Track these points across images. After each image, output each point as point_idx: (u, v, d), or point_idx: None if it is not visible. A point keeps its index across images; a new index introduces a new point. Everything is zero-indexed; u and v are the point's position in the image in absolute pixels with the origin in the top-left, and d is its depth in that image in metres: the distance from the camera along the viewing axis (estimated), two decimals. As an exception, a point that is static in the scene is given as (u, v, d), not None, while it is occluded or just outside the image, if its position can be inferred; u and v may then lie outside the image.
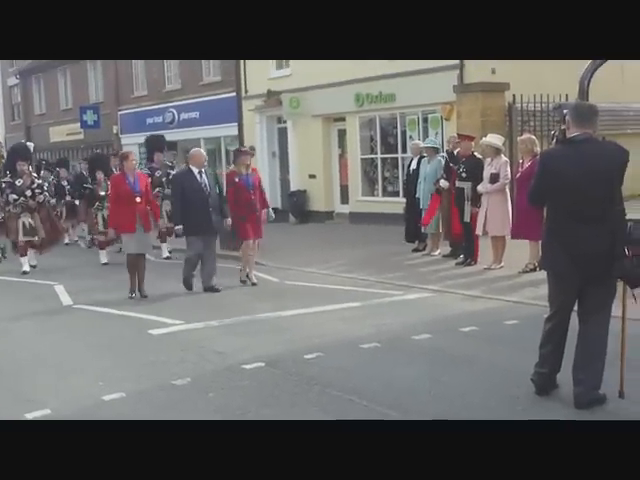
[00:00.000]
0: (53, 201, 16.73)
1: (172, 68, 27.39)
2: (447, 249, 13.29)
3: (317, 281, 11.59)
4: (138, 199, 11.09)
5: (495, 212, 11.51)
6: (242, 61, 22.97)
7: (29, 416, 5.95)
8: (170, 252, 15.66)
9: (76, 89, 33.54)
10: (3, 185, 14.73)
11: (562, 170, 5.45)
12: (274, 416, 5.69)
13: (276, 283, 11.89)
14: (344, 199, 21.47)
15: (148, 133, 26.47)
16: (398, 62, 17.39)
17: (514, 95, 16.48)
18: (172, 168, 16.43)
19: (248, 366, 7.15)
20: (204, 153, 11.95)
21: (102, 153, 19.36)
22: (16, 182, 14.39)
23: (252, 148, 22.91)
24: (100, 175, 16.00)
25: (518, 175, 11.26)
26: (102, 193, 15.49)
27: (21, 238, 14.32)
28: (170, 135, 24.69)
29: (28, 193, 14.34)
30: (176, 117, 26.72)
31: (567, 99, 15.86)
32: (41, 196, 14.59)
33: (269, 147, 23.52)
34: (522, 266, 11.11)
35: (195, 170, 11.28)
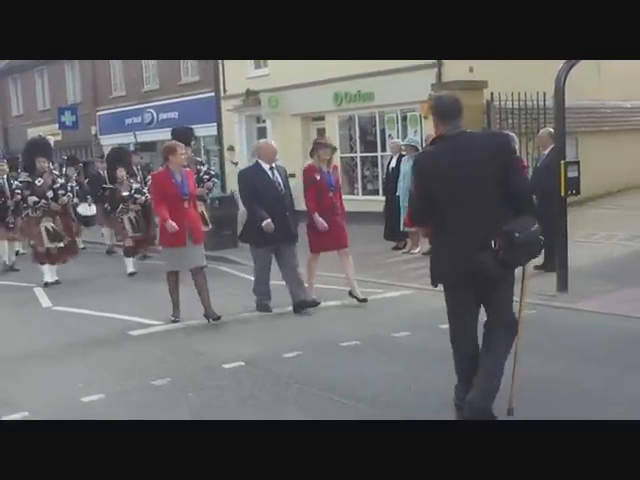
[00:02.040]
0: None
1: (150, 68, 27.28)
2: (427, 247, 13.27)
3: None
4: (186, 204, 9.08)
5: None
6: (220, 61, 22.91)
7: (7, 419, 5.91)
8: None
9: (54, 90, 33.32)
10: (18, 185, 13.28)
11: (435, 169, 5.06)
12: (253, 415, 5.70)
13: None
14: (324, 198, 21.41)
15: (127, 134, 26.60)
16: (376, 61, 17.41)
17: (492, 93, 16.57)
18: (202, 164, 14.72)
19: (227, 365, 7.16)
20: (274, 144, 9.82)
21: (123, 148, 16.91)
22: (36, 182, 12.55)
23: (232, 147, 22.96)
24: (122, 173, 13.93)
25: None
26: (125, 193, 13.70)
27: (47, 245, 12.61)
28: (149, 135, 24.71)
29: (50, 194, 12.56)
30: (155, 117, 26.59)
31: (545, 97, 15.97)
32: (64, 197, 12.75)
33: (248, 147, 23.39)
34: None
35: (265, 166, 9.42)
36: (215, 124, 23.81)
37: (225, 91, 23.49)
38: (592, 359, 6.82)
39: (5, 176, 14.51)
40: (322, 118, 20.93)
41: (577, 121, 16.06)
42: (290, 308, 9.46)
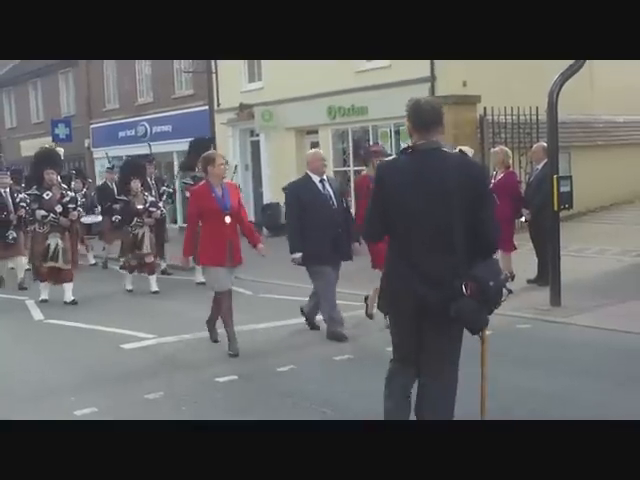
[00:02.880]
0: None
1: (144, 81, 27.32)
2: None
3: (291, 294, 11.54)
4: (228, 219, 8.20)
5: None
6: (214, 74, 22.98)
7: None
8: None
9: (47, 102, 33.34)
10: (23, 198, 12.78)
11: (393, 182, 4.55)
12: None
13: (249, 296, 11.84)
14: (317, 211, 21.42)
15: (120, 147, 26.60)
16: (370, 75, 17.54)
17: (485, 107, 16.65)
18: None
19: (221, 379, 7.14)
20: (320, 153, 9.16)
21: (137, 159, 16.35)
22: (44, 195, 11.84)
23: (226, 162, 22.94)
24: (136, 185, 13.18)
25: (490, 186, 11.33)
26: (140, 207, 12.97)
27: (42, 264, 11.96)
28: (142, 149, 24.67)
29: (58, 209, 11.79)
30: (148, 130, 26.61)
31: (537, 111, 16.04)
32: (75, 212, 12.02)
33: (242, 160, 23.50)
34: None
35: (315, 178, 8.74)
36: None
37: (219, 104, 23.52)
38: (586, 374, 6.82)
39: (8, 189, 13.85)
40: (316, 132, 20.97)
41: (570, 136, 16.14)
42: (282, 322, 9.46)
